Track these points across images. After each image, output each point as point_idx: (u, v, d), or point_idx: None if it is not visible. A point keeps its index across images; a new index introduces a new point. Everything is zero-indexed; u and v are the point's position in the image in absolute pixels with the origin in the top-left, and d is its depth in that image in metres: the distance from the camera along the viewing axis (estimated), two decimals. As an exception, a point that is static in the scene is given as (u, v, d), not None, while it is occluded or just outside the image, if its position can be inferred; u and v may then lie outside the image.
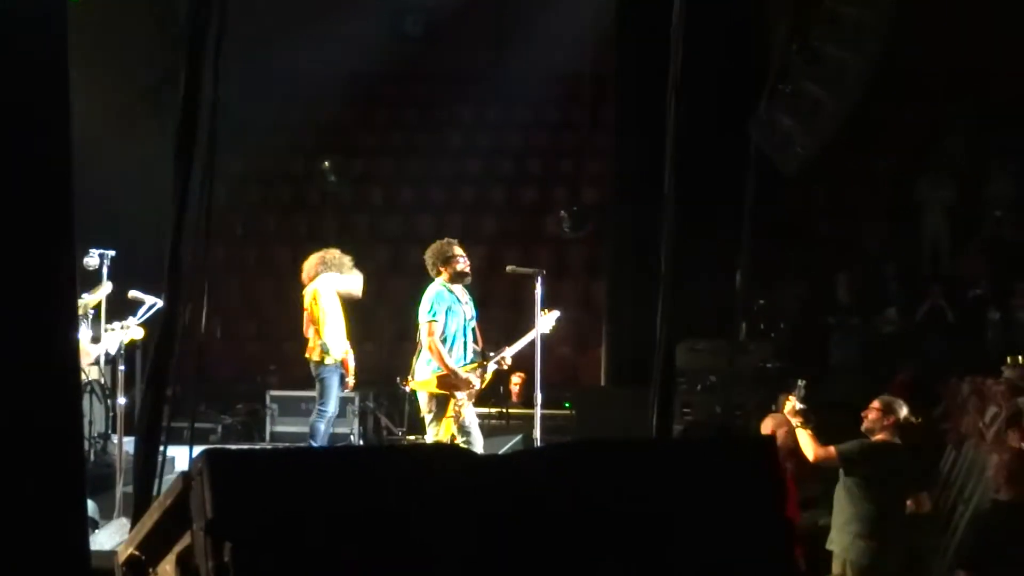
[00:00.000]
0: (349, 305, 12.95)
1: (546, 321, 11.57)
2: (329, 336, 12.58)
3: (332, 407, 12.77)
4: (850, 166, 18.78)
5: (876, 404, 9.50)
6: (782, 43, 12.94)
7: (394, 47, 20.67)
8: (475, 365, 11.38)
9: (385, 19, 21.09)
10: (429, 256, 11.55)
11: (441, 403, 11.25)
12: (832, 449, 9.32)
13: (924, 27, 15.44)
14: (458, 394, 11.21)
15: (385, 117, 21.83)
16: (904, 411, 9.47)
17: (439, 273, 11.45)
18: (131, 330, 10.84)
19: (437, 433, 11.23)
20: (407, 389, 11.79)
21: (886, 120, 18.87)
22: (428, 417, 11.35)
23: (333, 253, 12.96)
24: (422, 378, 11.33)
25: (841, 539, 9.29)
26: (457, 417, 11.25)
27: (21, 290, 4.93)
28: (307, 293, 12.81)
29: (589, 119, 18.60)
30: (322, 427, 12.68)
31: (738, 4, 14.20)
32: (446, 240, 11.66)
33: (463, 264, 11.47)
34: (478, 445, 11.41)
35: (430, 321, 11.25)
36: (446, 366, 11.20)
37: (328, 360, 12.58)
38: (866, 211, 18.93)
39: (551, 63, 18.86)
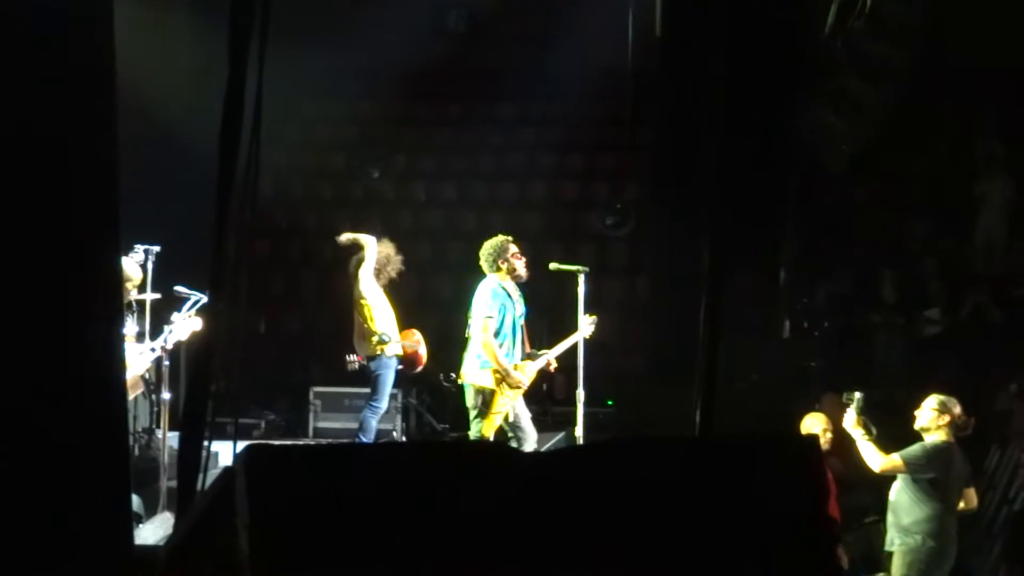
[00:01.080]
0: (392, 298, 12.96)
1: (585, 325, 11.57)
2: (382, 325, 12.55)
3: (385, 402, 12.75)
4: (893, 162, 18.66)
5: (932, 404, 9.50)
6: (826, 40, 12.89)
7: (437, 43, 20.67)
8: (523, 364, 11.40)
9: (428, 15, 21.10)
10: (487, 252, 11.55)
11: (488, 399, 11.26)
12: (897, 458, 9.33)
13: (964, 23, 15.33)
14: (506, 390, 11.22)
15: (428, 113, 21.82)
16: (958, 409, 9.46)
17: (497, 269, 11.46)
18: (194, 320, 10.86)
19: (482, 429, 11.24)
20: (460, 383, 11.80)
21: (928, 116, 18.75)
22: (473, 412, 11.36)
23: (384, 247, 12.95)
24: (472, 373, 11.35)
25: (908, 540, 9.28)
26: (503, 414, 11.27)
27: (67, 284, 4.96)
28: (356, 291, 12.82)
29: (631, 115, 18.54)
30: (373, 422, 12.67)
31: (781, 1, 14.13)
32: (504, 238, 11.66)
33: (521, 265, 11.50)
34: (531, 441, 11.43)
35: (487, 317, 11.25)
36: (499, 363, 11.21)
37: (388, 351, 12.54)
38: (909, 208, 18.80)
39: (594, 59, 18.82)
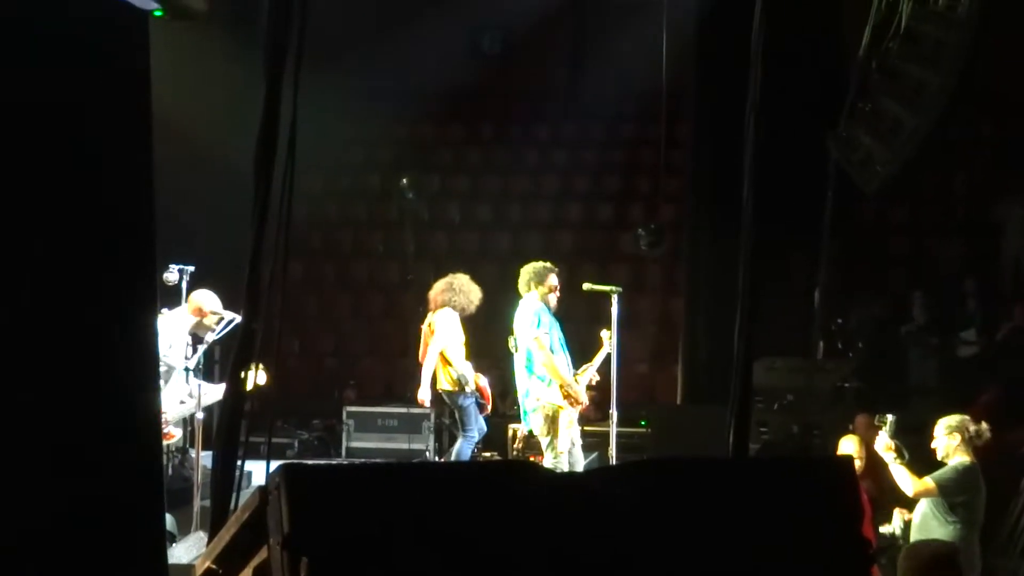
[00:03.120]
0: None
1: (607, 340, 11.59)
2: (461, 366, 12.48)
3: (476, 431, 12.66)
4: (928, 183, 18.61)
5: (941, 430, 9.47)
6: (861, 61, 12.86)
7: (472, 64, 20.74)
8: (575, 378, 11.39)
9: (463, 37, 21.16)
10: (529, 273, 11.49)
11: (553, 420, 11.20)
12: (930, 482, 9.29)
13: (1000, 45, 15.28)
14: (568, 407, 11.19)
15: (462, 134, 21.88)
16: (972, 427, 9.42)
17: (529, 291, 11.42)
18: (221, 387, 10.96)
19: (556, 451, 11.17)
20: (525, 410, 11.71)
21: (963, 137, 18.69)
22: (546, 440, 11.28)
23: (462, 281, 12.80)
24: (538, 395, 11.26)
25: None
26: (568, 430, 11.23)
27: (102, 304, 4.98)
28: (431, 322, 12.66)
29: (666, 136, 18.61)
30: (468, 452, 12.59)
31: (818, 22, 14.11)
32: (549, 264, 11.61)
33: (554, 298, 11.46)
34: (580, 465, 11.37)
35: (535, 338, 11.19)
36: (562, 377, 11.18)
37: (468, 389, 12.48)
38: (944, 229, 18.75)
39: (628, 80, 18.85)
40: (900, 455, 9.45)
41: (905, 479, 9.35)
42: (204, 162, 15.38)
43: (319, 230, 19.56)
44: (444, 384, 12.52)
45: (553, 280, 11.46)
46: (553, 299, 11.46)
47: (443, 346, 12.44)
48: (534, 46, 21.17)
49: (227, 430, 5.69)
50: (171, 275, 11.13)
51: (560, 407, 11.18)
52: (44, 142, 4.82)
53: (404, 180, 18.38)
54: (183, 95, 13.46)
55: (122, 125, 5.08)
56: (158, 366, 6.17)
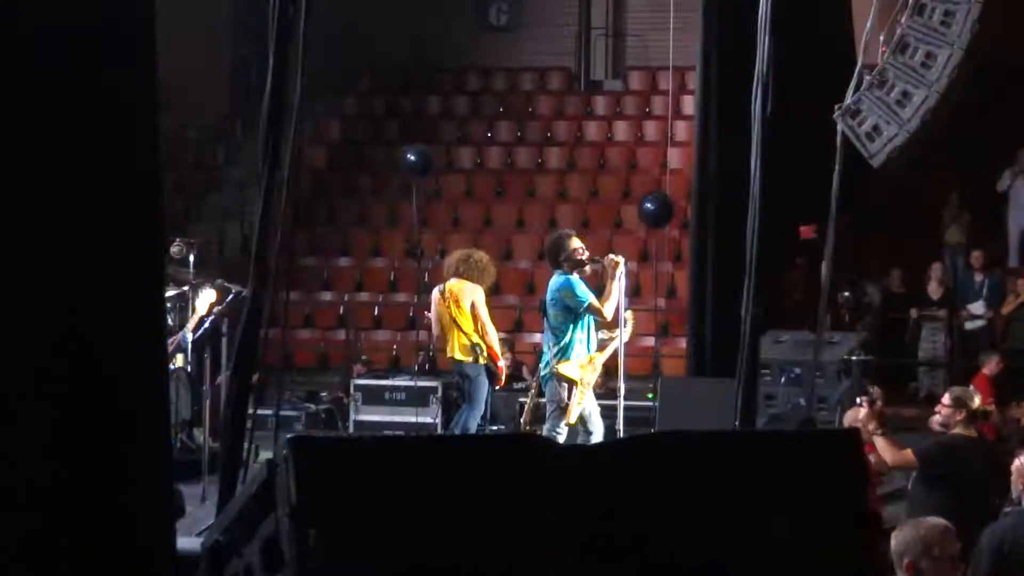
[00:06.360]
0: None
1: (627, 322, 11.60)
2: (493, 335, 12.45)
3: (482, 407, 12.60)
4: (936, 157, 18.56)
5: (945, 400, 9.39)
6: (869, 33, 12.84)
7: (478, 37, 20.72)
8: (596, 355, 11.40)
9: (469, 10, 21.15)
10: (549, 252, 11.45)
11: (570, 391, 11.17)
12: (908, 452, 9.23)
13: (1009, 15, 15.23)
14: (585, 381, 11.19)
15: (466, 106, 21.87)
16: (976, 401, 9.34)
17: (559, 266, 11.36)
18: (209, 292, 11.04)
19: (565, 420, 11.15)
20: (543, 375, 11.69)
21: (972, 110, 18.62)
22: (551, 407, 11.24)
23: (480, 257, 12.75)
24: (562, 365, 11.27)
25: None
26: (580, 404, 11.24)
27: (110, 278, 4.98)
28: (448, 291, 12.58)
29: (672, 108, 18.57)
30: (474, 425, 12.56)
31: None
32: (562, 233, 11.59)
33: (583, 252, 11.41)
34: (599, 434, 11.33)
35: (590, 303, 11.15)
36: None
37: (481, 360, 12.43)
38: (952, 201, 18.72)
39: (634, 52, 18.84)
40: (882, 425, 9.41)
41: (885, 449, 9.27)
42: (213, 137, 15.39)
43: (324, 202, 19.59)
44: (456, 353, 12.46)
45: (573, 245, 11.45)
46: (580, 243, 11.43)
47: (476, 315, 12.40)
48: (540, 19, 21.19)
49: (235, 403, 5.71)
50: (176, 248, 11.16)
51: (577, 381, 11.18)
52: (42, 119, 4.81)
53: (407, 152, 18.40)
54: (190, 68, 13.46)
55: (125, 101, 5.06)
56: (166, 349, 6.18)
